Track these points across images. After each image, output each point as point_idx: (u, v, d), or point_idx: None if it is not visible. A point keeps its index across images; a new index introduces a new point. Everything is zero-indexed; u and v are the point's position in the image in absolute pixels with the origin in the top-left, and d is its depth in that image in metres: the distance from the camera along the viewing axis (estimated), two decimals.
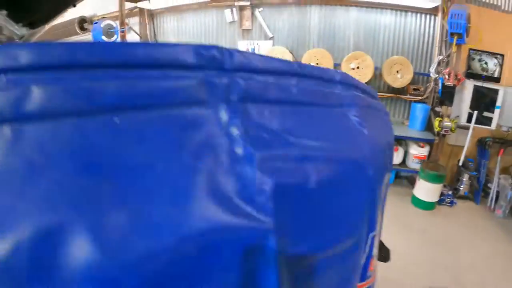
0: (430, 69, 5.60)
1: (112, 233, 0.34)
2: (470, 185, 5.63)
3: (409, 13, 5.97)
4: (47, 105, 0.34)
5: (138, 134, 0.39)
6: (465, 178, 5.58)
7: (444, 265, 3.89)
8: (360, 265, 0.86)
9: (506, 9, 5.56)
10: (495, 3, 5.56)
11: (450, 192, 5.47)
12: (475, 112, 5.18)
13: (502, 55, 5.33)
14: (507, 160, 5.60)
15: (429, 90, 5.90)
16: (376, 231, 1.04)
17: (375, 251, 1.10)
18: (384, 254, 1.85)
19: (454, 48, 5.31)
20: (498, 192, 5.37)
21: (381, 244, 1.84)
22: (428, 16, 5.93)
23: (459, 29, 5.05)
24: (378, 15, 6.06)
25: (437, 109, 5.65)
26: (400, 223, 4.73)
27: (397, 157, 5.80)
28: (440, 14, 5.69)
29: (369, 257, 1.03)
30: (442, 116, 5.41)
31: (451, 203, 5.40)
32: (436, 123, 5.34)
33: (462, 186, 5.62)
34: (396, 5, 5.87)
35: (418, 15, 5.96)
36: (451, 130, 5.25)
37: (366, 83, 5.68)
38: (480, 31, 5.31)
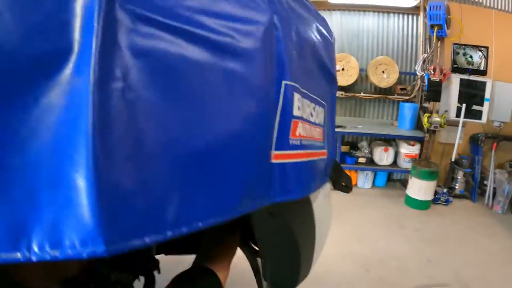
0: (416, 67, 5.57)
1: None
2: (465, 183, 5.50)
3: (392, 14, 5.99)
4: None
5: None
6: (460, 175, 5.46)
7: (443, 262, 3.73)
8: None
9: (487, 4, 5.58)
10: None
11: (445, 191, 5.33)
12: (464, 105, 5.09)
13: (487, 48, 5.27)
14: (501, 156, 5.52)
15: (416, 89, 5.84)
16: (296, 84, 0.95)
17: (300, 113, 0.99)
18: (346, 183, 1.70)
19: (434, 40, 5.32)
20: (495, 189, 5.26)
21: (339, 169, 1.70)
22: (410, 16, 5.94)
23: (438, 20, 5.06)
24: (361, 17, 6.05)
25: (425, 105, 5.60)
26: (394, 224, 4.59)
27: (388, 158, 5.70)
28: (421, 13, 5.67)
29: (287, 114, 0.91)
30: (430, 112, 5.34)
31: (447, 201, 5.26)
32: (425, 119, 5.26)
33: (457, 185, 5.50)
34: (378, 6, 5.89)
35: (401, 15, 5.97)
36: (440, 125, 5.15)
37: (351, 84, 5.65)
38: (461, 23, 5.32)
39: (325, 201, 1.51)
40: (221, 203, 0.73)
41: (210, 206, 0.70)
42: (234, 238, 1.21)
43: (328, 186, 1.59)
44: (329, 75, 1.46)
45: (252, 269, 1.72)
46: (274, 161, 0.91)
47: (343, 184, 1.70)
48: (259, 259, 1.60)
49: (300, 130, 0.98)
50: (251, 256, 1.69)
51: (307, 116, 1.07)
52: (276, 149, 0.90)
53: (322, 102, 1.33)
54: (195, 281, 0.87)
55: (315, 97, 1.21)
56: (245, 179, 0.79)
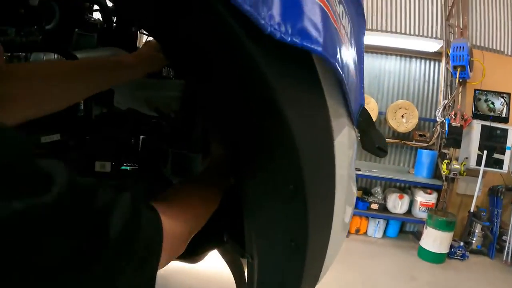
0: (436, 113, 5.46)
1: None
2: (483, 237, 5.21)
3: (414, 59, 5.92)
4: None
5: None
6: (477, 229, 5.18)
7: None
8: None
9: (509, 53, 5.62)
10: (497, 48, 5.62)
11: (461, 244, 5.02)
12: (485, 153, 4.91)
13: (509, 94, 5.16)
14: None
15: (435, 135, 5.67)
16: None
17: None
18: (381, 145, 1.41)
19: (457, 82, 5.22)
20: None
21: (371, 123, 1.41)
22: (432, 62, 5.87)
23: (461, 61, 4.97)
24: (383, 59, 5.98)
25: (444, 151, 5.40)
26: (405, 276, 4.32)
27: (402, 206, 5.45)
28: (444, 59, 5.60)
29: None
30: (450, 159, 5.15)
31: (463, 256, 4.96)
32: (444, 166, 5.07)
33: (474, 239, 5.21)
34: (400, 49, 5.83)
35: (423, 60, 5.90)
36: (460, 173, 4.95)
37: None
38: (484, 66, 5.22)
39: (348, 174, 1.19)
40: None
41: None
42: (215, 192, 0.96)
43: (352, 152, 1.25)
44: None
45: (234, 276, 1.45)
46: None
47: (376, 147, 1.40)
48: (244, 261, 1.33)
49: None
50: (233, 256, 1.43)
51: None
52: None
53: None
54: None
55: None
56: None
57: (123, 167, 1.49)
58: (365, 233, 5.57)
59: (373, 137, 1.34)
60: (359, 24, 1.24)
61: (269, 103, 0.69)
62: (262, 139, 0.82)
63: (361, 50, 1.34)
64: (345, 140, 1.03)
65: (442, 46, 5.51)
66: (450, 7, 5.60)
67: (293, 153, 0.76)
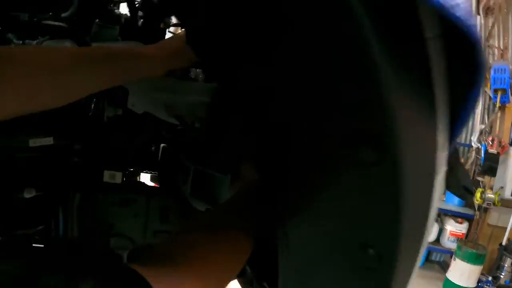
0: (472, 138, 5.31)
1: None
2: None
3: None
4: None
5: None
6: (507, 263, 4.93)
7: None
8: None
9: None
10: None
11: (489, 279, 4.84)
12: None
13: None
14: None
15: (470, 161, 5.48)
16: None
17: None
18: (467, 185, 1.19)
19: (497, 106, 5.08)
20: None
21: (457, 161, 1.24)
22: None
23: (503, 84, 4.88)
24: None
25: (479, 178, 5.22)
26: None
27: (431, 235, 5.16)
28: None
29: None
30: (484, 187, 4.99)
31: None
32: (477, 194, 4.88)
33: (503, 274, 4.95)
34: None
35: None
36: (494, 203, 4.79)
37: None
38: None
39: None
40: None
41: None
42: (243, 246, 0.70)
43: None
44: None
45: None
46: None
47: (462, 186, 1.14)
48: None
49: None
50: None
51: None
52: None
53: None
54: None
55: None
56: None
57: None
58: None
59: (460, 176, 1.09)
60: None
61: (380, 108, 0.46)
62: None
63: None
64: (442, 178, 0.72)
65: None
66: (490, 28, 5.42)
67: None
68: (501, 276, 4.94)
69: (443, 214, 5.44)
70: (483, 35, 5.49)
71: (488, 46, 5.37)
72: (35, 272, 0.36)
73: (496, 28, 5.37)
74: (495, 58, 5.29)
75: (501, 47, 5.30)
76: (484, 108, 5.35)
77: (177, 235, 0.62)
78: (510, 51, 5.32)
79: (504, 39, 5.34)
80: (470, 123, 5.56)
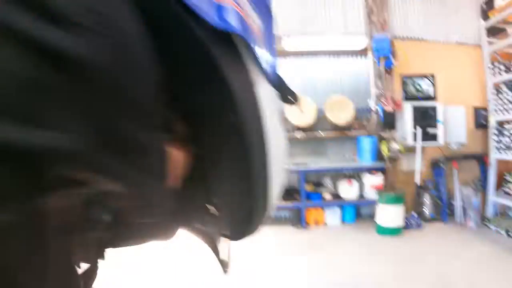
0: (369, 101, 5.90)
1: None
2: (434, 206, 5.64)
3: (343, 56, 6.34)
4: None
5: None
6: (427, 199, 5.61)
7: (425, 280, 3.67)
8: None
9: (429, 38, 6.08)
10: (418, 36, 6.09)
11: (415, 215, 5.42)
12: (419, 130, 5.38)
13: (433, 75, 5.72)
14: (463, 176, 5.72)
15: (372, 122, 6.04)
16: None
17: None
18: (291, 95, 1.69)
19: (384, 72, 5.69)
20: (464, 209, 5.46)
21: (281, 80, 1.61)
22: (360, 57, 6.29)
23: (384, 52, 5.49)
24: (314, 61, 6.36)
25: (382, 134, 5.76)
26: (368, 251, 4.58)
27: (354, 191, 5.77)
28: (370, 53, 6.04)
29: None
30: (388, 141, 5.55)
31: (419, 226, 5.34)
32: (384, 147, 5.46)
33: (426, 208, 5.63)
34: (329, 51, 6.25)
35: (352, 57, 6.34)
36: (400, 151, 5.37)
37: (311, 125, 5.81)
38: (406, 55, 5.73)
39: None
40: None
41: None
42: None
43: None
44: None
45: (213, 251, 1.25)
46: None
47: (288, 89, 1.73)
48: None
49: None
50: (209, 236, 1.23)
51: None
52: None
53: None
54: None
55: None
56: None
57: None
58: (324, 223, 5.81)
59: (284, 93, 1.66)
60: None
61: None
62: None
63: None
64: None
65: (367, 43, 5.96)
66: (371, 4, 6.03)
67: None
68: (425, 210, 5.62)
69: (360, 173, 5.93)
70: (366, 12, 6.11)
71: (372, 22, 6.00)
72: None
73: (375, 5, 5.99)
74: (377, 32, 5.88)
75: (381, 21, 5.91)
76: (376, 75, 5.92)
77: None
78: (391, 22, 5.99)
79: (383, 14, 5.96)
80: (367, 90, 6.16)
